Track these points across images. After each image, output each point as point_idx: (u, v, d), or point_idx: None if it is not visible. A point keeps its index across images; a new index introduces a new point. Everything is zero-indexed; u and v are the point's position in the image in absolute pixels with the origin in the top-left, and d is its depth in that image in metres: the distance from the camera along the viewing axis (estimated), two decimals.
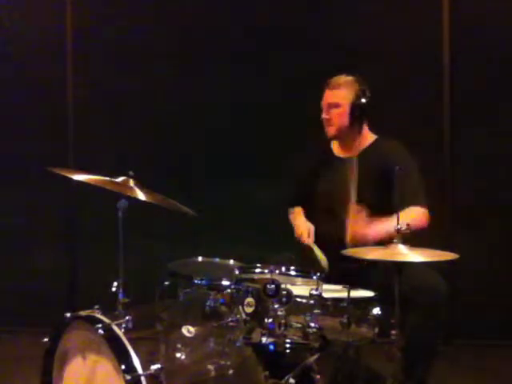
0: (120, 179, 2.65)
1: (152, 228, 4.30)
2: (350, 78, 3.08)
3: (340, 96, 3.05)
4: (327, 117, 3.07)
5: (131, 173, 2.66)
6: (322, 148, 3.26)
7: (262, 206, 4.24)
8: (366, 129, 3.13)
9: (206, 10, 4.46)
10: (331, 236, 2.92)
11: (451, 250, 2.38)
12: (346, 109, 3.04)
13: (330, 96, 3.08)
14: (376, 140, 3.14)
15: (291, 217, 3.27)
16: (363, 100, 3.03)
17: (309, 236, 3.01)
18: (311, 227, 3.05)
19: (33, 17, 4.65)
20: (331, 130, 3.09)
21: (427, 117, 4.21)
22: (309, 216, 3.19)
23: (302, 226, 3.08)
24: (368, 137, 3.14)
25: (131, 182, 2.65)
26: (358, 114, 3.04)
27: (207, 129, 4.41)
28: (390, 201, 2.74)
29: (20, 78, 4.66)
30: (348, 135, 3.10)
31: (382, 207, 2.80)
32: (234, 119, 4.40)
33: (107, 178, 2.63)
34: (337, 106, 3.05)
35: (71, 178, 2.64)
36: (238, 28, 4.40)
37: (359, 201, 2.91)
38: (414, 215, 2.83)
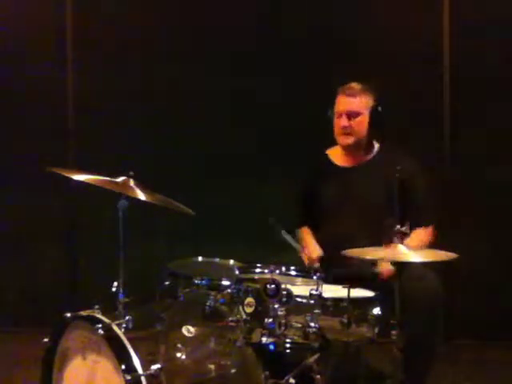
0: (120, 179, 2.64)
1: (152, 228, 4.30)
2: (365, 85, 3.01)
3: (361, 103, 2.97)
4: (347, 124, 2.97)
5: (131, 173, 2.66)
6: (319, 158, 3.22)
7: (262, 205, 4.24)
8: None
9: (207, 9, 4.46)
10: (336, 245, 2.91)
11: (451, 250, 2.38)
12: (366, 117, 2.97)
13: (349, 103, 2.98)
14: (381, 148, 3.09)
15: (300, 237, 3.17)
16: (380, 109, 2.97)
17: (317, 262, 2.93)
18: (320, 253, 3.00)
19: (33, 16, 4.64)
20: (348, 139, 3.00)
21: (427, 117, 4.22)
22: (315, 227, 3.16)
23: (313, 252, 2.99)
24: (372, 145, 3.09)
25: (131, 182, 2.65)
26: (377, 124, 2.98)
27: (207, 129, 4.41)
28: (403, 207, 2.75)
29: (20, 78, 4.66)
30: (361, 145, 3.04)
31: (394, 214, 2.80)
32: (234, 119, 4.40)
33: (107, 178, 2.63)
34: (358, 114, 2.96)
35: (71, 178, 2.64)
36: (238, 28, 4.40)
37: (373, 208, 2.93)
38: (423, 237, 2.92)
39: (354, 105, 2.97)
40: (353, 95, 2.98)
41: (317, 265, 2.85)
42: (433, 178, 4.05)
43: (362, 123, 2.97)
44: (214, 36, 4.42)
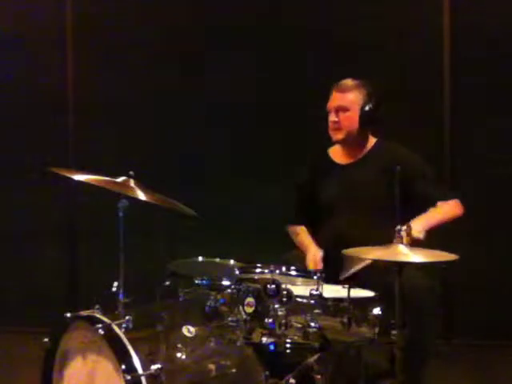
0: (120, 179, 2.65)
1: (152, 228, 4.29)
2: (359, 81, 3.03)
3: (350, 99, 2.98)
4: (336, 119, 3.00)
5: (131, 173, 2.66)
6: (319, 156, 3.23)
7: (262, 205, 4.24)
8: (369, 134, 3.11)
9: (206, 9, 4.46)
10: (334, 242, 2.92)
11: (451, 250, 2.38)
12: (355, 113, 2.98)
13: (339, 98, 3.00)
14: (377, 142, 3.12)
15: (296, 237, 3.17)
16: (372, 105, 2.97)
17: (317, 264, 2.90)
18: (320, 254, 2.93)
19: (32, 16, 4.64)
20: (339, 135, 3.02)
21: (427, 117, 4.21)
22: (312, 225, 3.15)
23: (316, 255, 2.93)
24: (370, 141, 3.12)
25: (131, 182, 2.65)
26: (367, 120, 2.99)
27: (207, 129, 4.41)
28: (404, 199, 2.76)
29: (20, 79, 4.66)
30: (354, 141, 3.06)
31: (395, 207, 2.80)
32: (235, 119, 4.39)
33: (107, 178, 2.63)
34: (346, 109, 2.98)
35: (71, 178, 2.65)
36: (238, 28, 4.40)
37: (374, 203, 2.94)
38: (446, 208, 2.97)
39: (342, 100, 3.00)
40: (343, 91, 3.01)
41: (320, 267, 2.85)
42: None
43: (351, 118, 2.99)
44: (213, 36, 4.41)
